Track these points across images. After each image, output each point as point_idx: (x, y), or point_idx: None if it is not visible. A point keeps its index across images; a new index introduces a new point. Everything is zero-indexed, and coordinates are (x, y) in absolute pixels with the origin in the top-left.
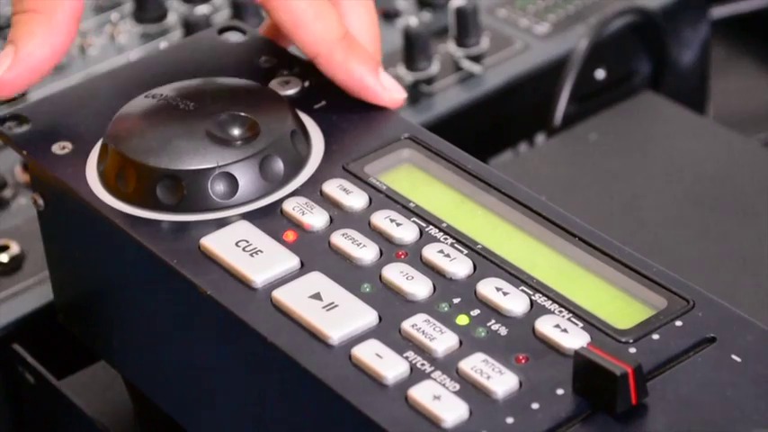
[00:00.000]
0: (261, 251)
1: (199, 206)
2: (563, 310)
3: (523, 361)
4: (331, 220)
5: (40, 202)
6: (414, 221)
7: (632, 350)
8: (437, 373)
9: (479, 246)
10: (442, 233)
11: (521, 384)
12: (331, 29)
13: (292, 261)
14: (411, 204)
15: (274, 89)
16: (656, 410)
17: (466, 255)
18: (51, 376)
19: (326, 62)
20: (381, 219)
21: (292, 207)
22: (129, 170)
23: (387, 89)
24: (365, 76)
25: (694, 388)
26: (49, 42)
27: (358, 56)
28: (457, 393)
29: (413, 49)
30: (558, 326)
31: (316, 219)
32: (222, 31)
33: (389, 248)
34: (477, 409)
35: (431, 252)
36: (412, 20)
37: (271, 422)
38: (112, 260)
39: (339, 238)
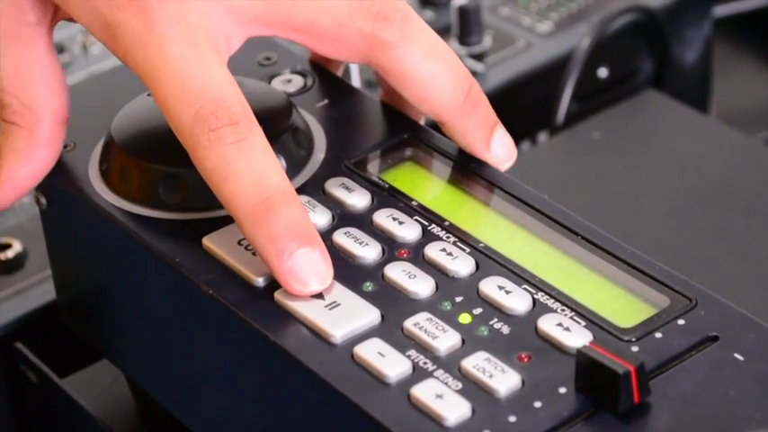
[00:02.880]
0: None
1: (201, 205)
2: (565, 308)
3: (526, 359)
4: (333, 218)
5: (43, 200)
6: (416, 220)
7: (635, 349)
8: (439, 372)
9: (482, 244)
10: (444, 231)
11: (523, 383)
12: (243, 192)
13: None
14: (413, 203)
15: (276, 87)
16: (659, 409)
17: (468, 253)
18: (54, 375)
19: (239, 227)
20: (384, 217)
21: None
22: (131, 169)
23: (295, 278)
24: (270, 260)
25: (697, 386)
26: (34, 158)
27: (268, 230)
28: (459, 392)
29: None
30: (560, 324)
31: (318, 217)
32: None
33: (392, 247)
34: (479, 408)
35: (433, 250)
36: None
37: (272, 421)
38: (115, 258)
39: (341, 237)
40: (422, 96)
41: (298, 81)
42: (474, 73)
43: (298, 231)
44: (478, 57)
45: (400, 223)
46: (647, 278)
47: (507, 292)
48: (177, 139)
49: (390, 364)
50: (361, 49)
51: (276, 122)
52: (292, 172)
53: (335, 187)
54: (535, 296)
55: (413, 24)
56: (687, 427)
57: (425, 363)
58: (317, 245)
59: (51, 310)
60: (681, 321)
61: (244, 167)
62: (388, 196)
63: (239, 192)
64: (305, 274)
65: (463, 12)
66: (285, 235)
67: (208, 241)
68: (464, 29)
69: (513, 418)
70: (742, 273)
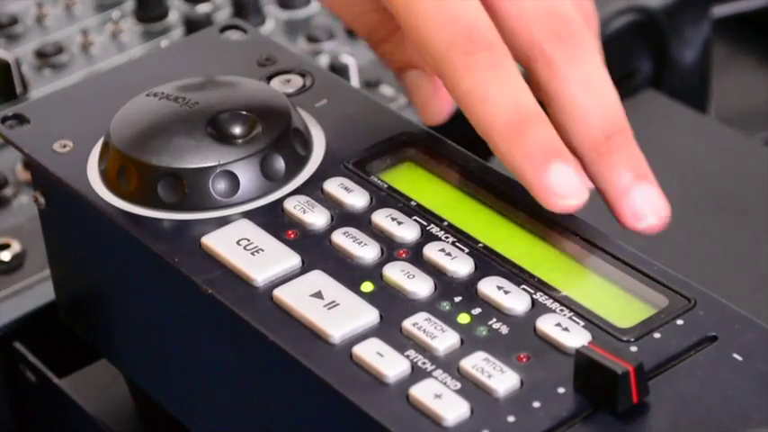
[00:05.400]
0: (262, 250)
1: (200, 205)
2: (564, 308)
3: (525, 360)
4: (332, 218)
5: (42, 200)
6: (415, 220)
7: (633, 349)
8: (438, 372)
9: (480, 244)
10: (443, 232)
11: (522, 383)
12: (497, 114)
13: (293, 260)
14: (412, 203)
15: (275, 87)
16: (658, 409)
17: (467, 253)
18: (53, 375)
19: (493, 148)
20: (382, 217)
21: (293, 206)
22: (130, 168)
23: (553, 192)
24: (526, 176)
25: (695, 387)
26: None
27: (523, 148)
28: (458, 392)
29: None
30: (559, 324)
31: (317, 217)
32: (223, 29)
33: (390, 247)
34: (478, 408)
35: (432, 251)
36: None
37: (272, 420)
38: (113, 259)
39: (340, 237)
40: (561, 123)
41: (296, 81)
42: None
43: (552, 147)
44: None
45: (399, 223)
46: (645, 278)
47: (506, 293)
48: (175, 139)
49: (389, 363)
50: (523, 47)
51: (275, 123)
52: (291, 172)
53: (334, 187)
54: (534, 296)
55: (585, 48)
56: (686, 427)
57: (424, 363)
58: (571, 160)
59: (50, 311)
60: (680, 321)
61: (499, 90)
62: (386, 196)
63: (494, 113)
64: (562, 187)
65: None
66: (541, 151)
67: (207, 241)
68: None
69: (511, 418)
70: (741, 273)
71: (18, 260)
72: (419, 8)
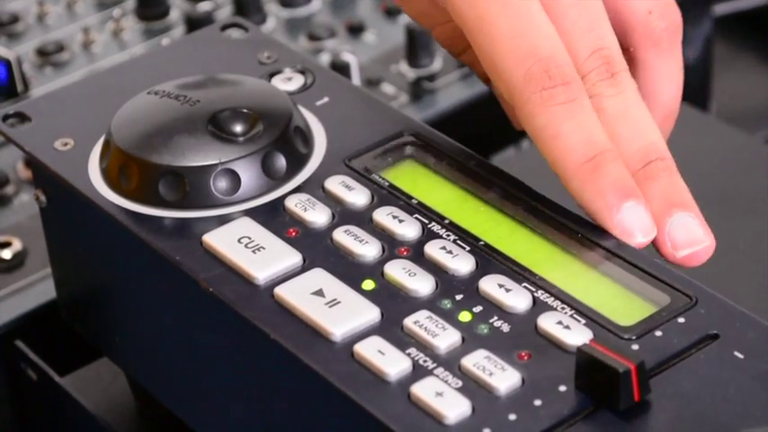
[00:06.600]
0: (263, 248)
1: (201, 203)
2: (565, 306)
3: (526, 358)
4: (333, 216)
5: (43, 198)
6: (416, 218)
7: (635, 347)
8: (439, 370)
9: (482, 242)
10: (444, 230)
11: (523, 381)
12: (571, 151)
13: (294, 258)
14: (413, 201)
15: (277, 86)
16: (659, 407)
17: (468, 251)
18: (54, 373)
19: (565, 183)
20: (384, 215)
21: (294, 204)
22: (131, 167)
23: (624, 230)
24: (599, 214)
25: (697, 385)
26: None
27: (596, 186)
28: (459, 390)
29: (415, 46)
30: (560, 322)
31: (318, 215)
32: (224, 27)
33: (392, 245)
34: (479, 406)
35: (433, 249)
36: None
37: (273, 418)
38: (115, 257)
39: (341, 235)
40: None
41: (298, 79)
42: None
43: (624, 186)
44: None
45: (400, 221)
46: (647, 276)
47: (507, 291)
48: (177, 137)
49: (390, 362)
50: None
51: (276, 121)
52: (293, 170)
53: (335, 185)
54: (535, 294)
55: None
56: (687, 424)
57: (425, 361)
58: (641, 199)
59: (51, 309)
60: (681, 319)
61: (573, 126)
62: (388, 194)
63: (568, 150)
64: (631, 226)
65: None
66: (612, 190)
67: (208, 239)
68: None
69: (513, 417)
70: (742, 271)
71: (19, 258)
72: (493, 33)
